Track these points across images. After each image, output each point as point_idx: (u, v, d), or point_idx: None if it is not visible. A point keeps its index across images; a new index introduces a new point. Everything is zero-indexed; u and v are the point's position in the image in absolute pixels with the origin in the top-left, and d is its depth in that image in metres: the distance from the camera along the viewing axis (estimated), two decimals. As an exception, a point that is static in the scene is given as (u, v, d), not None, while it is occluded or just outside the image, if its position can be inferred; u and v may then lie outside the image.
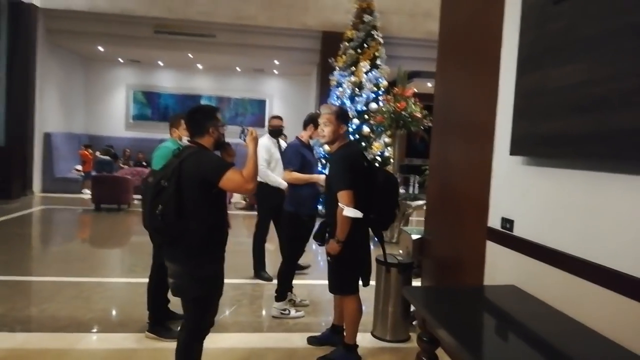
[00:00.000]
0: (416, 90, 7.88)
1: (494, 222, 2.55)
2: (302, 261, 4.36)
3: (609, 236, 1.75)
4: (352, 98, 8.77)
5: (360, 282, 3.05)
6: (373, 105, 8.51)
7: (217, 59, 11.96)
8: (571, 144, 1.88)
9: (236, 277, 4.88)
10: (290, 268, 3.88)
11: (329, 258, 3.01)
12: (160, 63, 13.09)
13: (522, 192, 2.32)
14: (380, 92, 8.76)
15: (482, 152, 2.68)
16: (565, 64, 1.92)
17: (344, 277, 3.00)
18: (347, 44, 9.15)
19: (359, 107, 8.65)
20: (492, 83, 2.59)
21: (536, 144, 2.15)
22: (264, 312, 3.97)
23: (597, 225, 1.81)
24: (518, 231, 2.33)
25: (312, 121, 3.90)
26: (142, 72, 13.31)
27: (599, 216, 1.80)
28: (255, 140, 2.46)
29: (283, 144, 4.77)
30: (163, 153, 3.25)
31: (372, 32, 9.07)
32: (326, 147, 2.98)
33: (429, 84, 13.15)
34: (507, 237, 2.40)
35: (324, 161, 8.18)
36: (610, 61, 1.67)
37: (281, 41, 10.90)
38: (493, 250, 2.53)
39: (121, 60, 12.96)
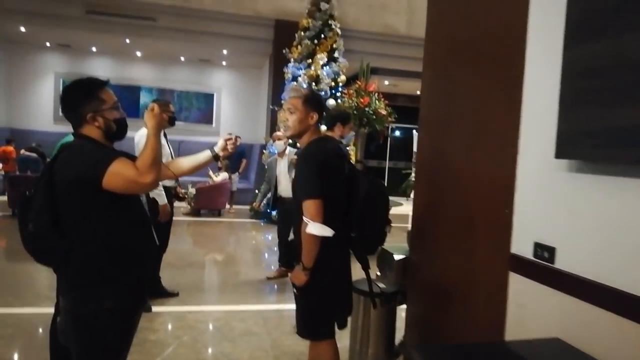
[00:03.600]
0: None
1: (521, 248, 1.91)
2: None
3: None
4: (308, 93, 8.06)
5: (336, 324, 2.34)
6: (331, 102, 7.85)
7: (159, 46, 10.89)
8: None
9: (177, 304, 4.03)
10: None
11: (294, 290, 2.29)
12: (94, 49, 11.80)
13: (568, 209, 1.69)
14: (339, 88, 8.12)
15: (501, 157, 2.04)
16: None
17: (314, 316, 2.28)
18: (302, 33, 8.43)
19: (317, 102, 7.96)
20: (514, 60, 1.95)
21: (596, 144, 1.53)
22: (209, 352, 3.16)
23: None
24: (562, 263, 1.70)
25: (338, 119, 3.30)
26: (73, 58, 11.94)
27: None
28: (157, 118, 1.80)
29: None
30: None
31: (330, 22, 8.41)
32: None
33: (387, 82, 12.70)
34: (544, 270, 1.77)
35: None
36: None
37: (230, 28, 10.01)
38: (521, 287, 1.90)
39: (48, 45, 11.57)
